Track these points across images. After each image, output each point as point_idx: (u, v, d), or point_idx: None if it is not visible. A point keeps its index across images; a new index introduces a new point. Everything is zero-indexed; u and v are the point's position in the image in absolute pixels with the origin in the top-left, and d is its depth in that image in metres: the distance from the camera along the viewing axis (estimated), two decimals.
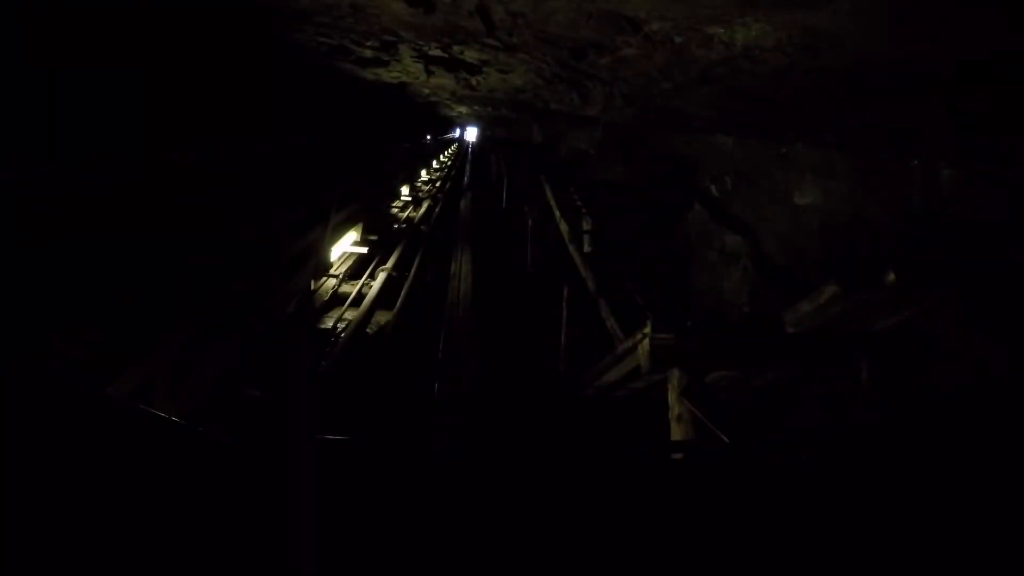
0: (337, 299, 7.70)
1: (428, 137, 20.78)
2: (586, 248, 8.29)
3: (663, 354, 3.15)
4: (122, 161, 3.89)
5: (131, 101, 3.93)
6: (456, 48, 4.91)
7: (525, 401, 5.26)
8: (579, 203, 9.93)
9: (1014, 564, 1.40)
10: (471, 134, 32.57)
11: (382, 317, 7.16)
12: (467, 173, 21.28)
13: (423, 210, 13.80)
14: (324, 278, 7.90)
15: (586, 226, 8.90)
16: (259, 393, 4.76)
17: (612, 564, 1.29)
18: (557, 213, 9.95)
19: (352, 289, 7.97)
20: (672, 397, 3.11)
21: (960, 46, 2.12)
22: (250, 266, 4.55)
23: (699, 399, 2.96)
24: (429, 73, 6.34)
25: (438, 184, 18.95)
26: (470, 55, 5.08)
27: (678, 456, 2.07)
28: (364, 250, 8.68)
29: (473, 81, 6.44)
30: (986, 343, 3.12)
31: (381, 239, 9.27)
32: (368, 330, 6.80)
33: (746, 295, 6.44)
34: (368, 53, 5.61)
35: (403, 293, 7.82)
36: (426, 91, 8.37)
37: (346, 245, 8.56)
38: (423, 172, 19.04)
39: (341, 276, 8.27)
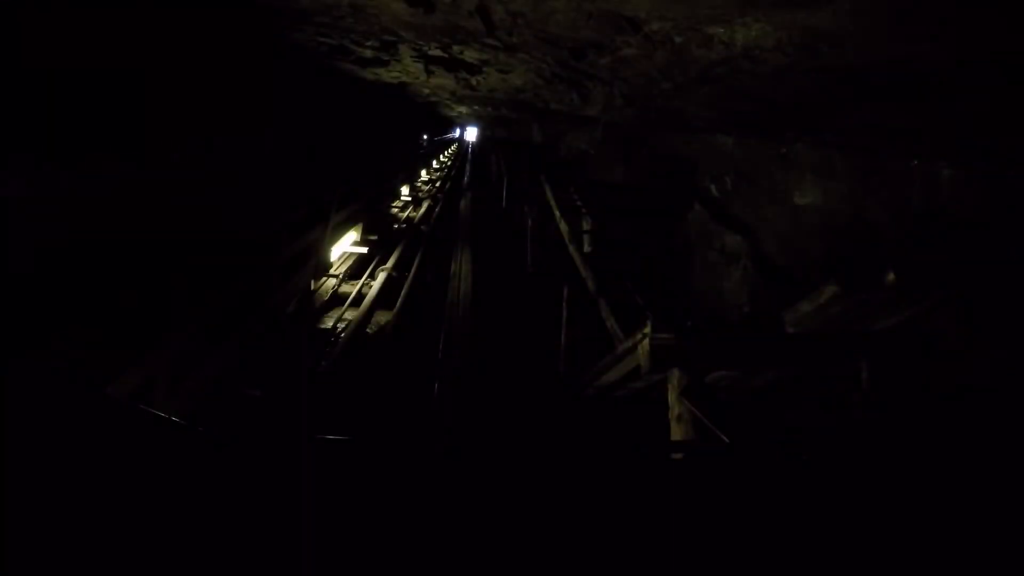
0: (337, 299, 7.70)
1: (428, 137, 20.80)
2: (586, 248, 8.27)
3: (663, 354, 3.15)
4: (122, 161, 3.89)
5: (131, 101, 3.93)
6: (456, 48, 4.91)
7: (525, 401, 5.26)
8: (579, 203, 9.91)
9: (1014, 564, 1.40)
10: (471, 134, 32.56)
11: (382, 317, 7.16)
12: (467, 173, 21.27)
13: (423, 210, 13.79)
14: (324, 278, 7.90)
15: (586, 226, 8.88)
16: (259, 393, 4.76)
17: (612, 564, 1.29)
18: (557, 213, 9.93)
19: (352, 289, 7.96)
20: (672, 397, 3.11)
21: (960, 46, 2.12)
22: (250, 266, 4.56)
23: (699, 399, 2.95)
24: (429, 73, 6.35)
25: (438, 184, 18.94)
26: (470, 55, 5.08)
27: (678, 456, 2.07)
28: (364, 250, 8.68)
29: (473, 81, 6.44)
30: (986, 343, 3.12)
31: (381, 239, 9.26)
32: (368, 330, 6.80)
33: (746, 295, 6.44)
34: (368, 53, 5.61)
35: (403, 293, 7.81)
36: (426, 91, 8.37)
37: (346, 245, 8.56)
38: (423, 172, 19.04)
39: (341, 276, 8.27)
